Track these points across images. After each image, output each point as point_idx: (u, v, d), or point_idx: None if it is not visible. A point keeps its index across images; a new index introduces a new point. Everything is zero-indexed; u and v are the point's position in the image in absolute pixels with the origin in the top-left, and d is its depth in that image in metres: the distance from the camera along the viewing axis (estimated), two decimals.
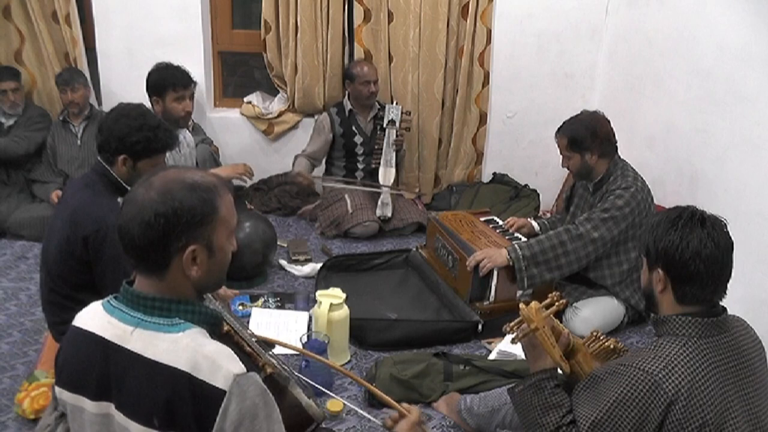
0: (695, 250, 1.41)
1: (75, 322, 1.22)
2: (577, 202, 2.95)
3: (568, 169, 2.80)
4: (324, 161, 3.91)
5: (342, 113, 3.76)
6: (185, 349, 1.11)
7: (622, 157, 2.79)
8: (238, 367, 1.12)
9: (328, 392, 2.04)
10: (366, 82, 3.65)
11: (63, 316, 2.07)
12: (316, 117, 3.86)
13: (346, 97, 3.79)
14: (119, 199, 2.05)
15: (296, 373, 1.71)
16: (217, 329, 1.24)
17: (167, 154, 2.80)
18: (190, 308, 1.17)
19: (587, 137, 2.67)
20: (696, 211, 1.48)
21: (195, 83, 3.00)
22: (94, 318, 1.20)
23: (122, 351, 1.14)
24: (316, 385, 1.85)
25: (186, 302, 1.17)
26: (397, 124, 3.69)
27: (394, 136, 3.68)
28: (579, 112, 2.78)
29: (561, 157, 2.78)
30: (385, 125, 3.69)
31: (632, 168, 2.77)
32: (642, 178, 2.74)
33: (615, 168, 2.73)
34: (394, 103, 3.83)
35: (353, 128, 3.76)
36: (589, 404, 1.46)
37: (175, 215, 1.12)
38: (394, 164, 3.69)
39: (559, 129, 2.76)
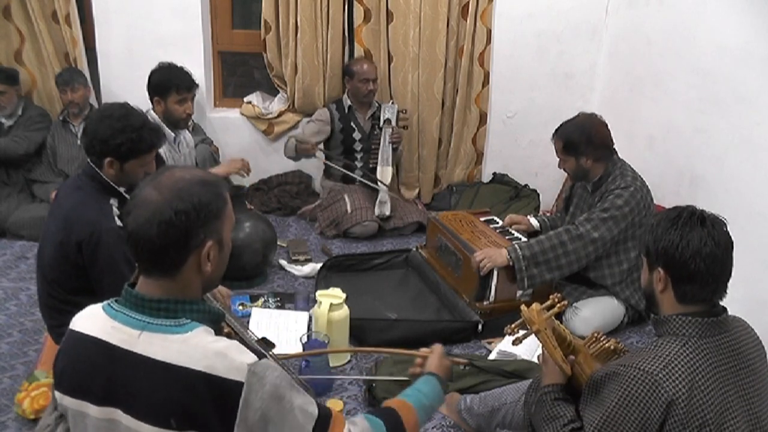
0: (695, 250, 1.41)
1: (73, 327, 1.21)
2: (576, 202, 2.95)
3: (564, 171, 2.81)
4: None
5: (341, 110, 3.77)
6: (196, 348, 1.11)
7: (621, 157, 2.79)
8: (250, 357, 1.13)
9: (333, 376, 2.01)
10: (365, 80, 3.65)
11: (61, 320, 2.04)
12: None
13: (345, 94, 3.79)
14: (112, 201, 2.03)
15: (296, 376, 1.71)
16: (218, 327, 1.24)
17: (166, 155, 2.82)
18: (195, 307, 1.17)
19: (582, 142, 2.66)
20: (696, 210, 1.48)
21: (197, 85, 2.99)
22: (96, 322, 1.18)
23: (130, 355, 1.13)
24: (319, 376, 1.85)
25: (191, 302, 1.17)
26: (394, 123, 3.69)
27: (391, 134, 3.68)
28: (576, 114, 2.78)
29: (558, 158, 2.78)
30: (381, 124, 3.69)
31: (631, 168, 2.76)
32: (641, 178, 2.74)
33: (614, 168, 2.73)
34: (391, 102, 3.84)
35: (352, 124, 3.77)
36: (593, 408, 1.47)
37: (195, 211, 1.13)
38: (391, 163, 3.69)
39: (555, 131, 2.75)
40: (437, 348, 1.57)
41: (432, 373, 1.50)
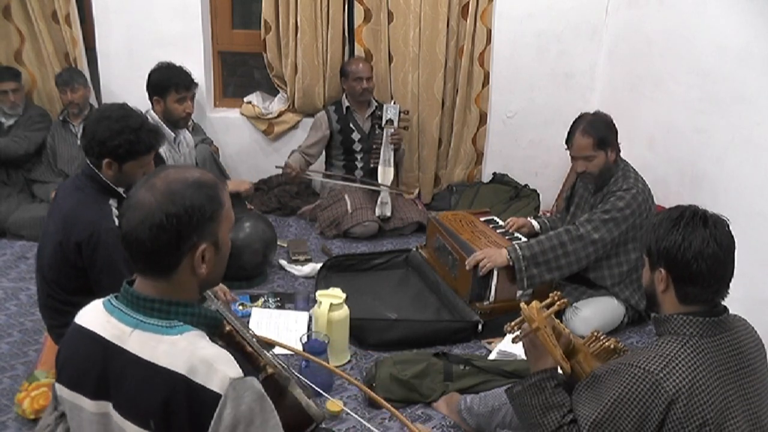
0: (698, 250, 1.41)
1: (76, 320, 1.22)
2: (577, 202, 2.95)
3: (586, 172, 2.70)
4: (324, 160, 3.91)
5: (340, 111, 3.77)
6: (183, 351, 1.11)
7: (622, 157, 2.79)
8: (235, 371, 1.10)
9: (326, 395, 2.03)
10: (359, 78, 3.66)
11: (61, 320, 2.05)
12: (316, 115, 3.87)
13: (344, 95, 3.80)
14: (111, 202, 2.03)
15: (296, 374, 1.71)
16: (216, 330, 1.24)
17: (166, 154, 2.82)
18: (189, 310, 1.17)
19: (610, 133, 2.67)
20: (698, 210, 1.48)
21: (196, 85, 3.00)
22: (95, 317, 1.19)
23: (120, 351, 1.13)
24: (315, 387, 1.85)
25: (186, 304, 1.17)
26: (395, 124, 3.69)
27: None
28: (580, 114, 2.74)
29: (577, 161, 2.68)
30: (382, 125, 3.70)
31: (633, 169, 2.76)
32: (643, 180, 2.74)
33: (617, 169, 2.73)
34: (392, 102, 3.84)
35: (351, 125, 3.77)
36: (589, 403, 1.46)
37: (186, 214, 1.12)
38: (392, 163, 3.69)
39: (580, 132, 2.65)
40: None
41: None
